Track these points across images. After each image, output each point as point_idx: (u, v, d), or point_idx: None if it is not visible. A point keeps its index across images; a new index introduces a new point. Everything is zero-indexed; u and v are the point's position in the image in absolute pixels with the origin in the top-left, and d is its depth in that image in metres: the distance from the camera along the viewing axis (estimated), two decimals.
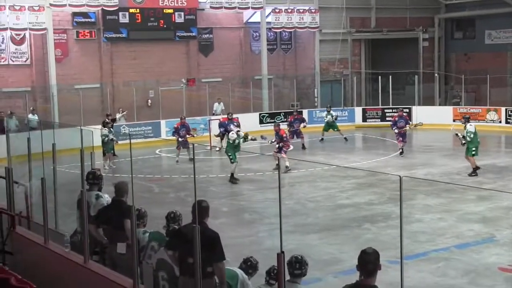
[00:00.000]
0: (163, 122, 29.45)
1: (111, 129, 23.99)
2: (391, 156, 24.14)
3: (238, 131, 20.66)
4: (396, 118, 24.50)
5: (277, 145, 21.82)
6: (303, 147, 26.65)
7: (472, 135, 20.11)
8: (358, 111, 34.07)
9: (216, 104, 31.21)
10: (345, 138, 27.90)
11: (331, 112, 29.14)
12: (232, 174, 20.08)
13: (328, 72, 36.45)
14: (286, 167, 21.08)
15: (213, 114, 30.44)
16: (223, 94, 32.06)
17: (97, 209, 8.84)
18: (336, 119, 28.93)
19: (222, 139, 25.20)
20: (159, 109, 30.15)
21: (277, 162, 21.59)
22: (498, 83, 32.92)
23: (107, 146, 23.35)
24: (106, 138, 23.33)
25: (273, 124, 26.03)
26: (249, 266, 7.72)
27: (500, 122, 30.22)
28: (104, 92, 30.44)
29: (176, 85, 31.65)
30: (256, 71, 34.07)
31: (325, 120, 28.97)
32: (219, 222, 14.29)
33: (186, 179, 20.56)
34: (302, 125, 26.75)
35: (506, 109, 30.93)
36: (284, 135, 22.11)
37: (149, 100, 31.60)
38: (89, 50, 30.36)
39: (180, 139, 23.74)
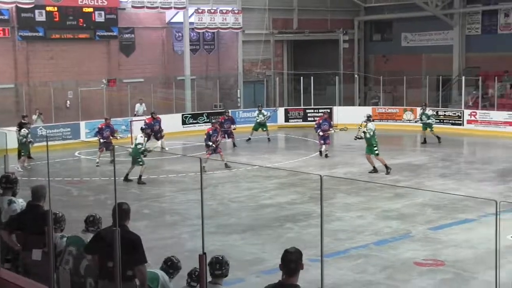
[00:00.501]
0: (82, 124, 28.88)
1: (29, 130, 23.45)
2: (313, 156, 24.46)
3: (140, 143, 20.29)
4: (321, 121, 24.77)
5: (213, 144, 21.91)
6: (234, 145, 27.06)
7: (372, 132, 20.63)
8: (281, 111, 34.34)
9: (138, 105, 30.87)
10: (268, 139, 28.22)
11: (263, 111, 29.42)
12: (140, 177, 19.91)
13: (251, 73, 36.61)
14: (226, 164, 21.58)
15: (135, 115, 30.10)
16: (145, 95, 31.73)
17: (8, 215, 8.54)
18: (268, 118, 29.31)
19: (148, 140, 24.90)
20: (78, 110, 29.57)
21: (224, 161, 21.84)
22: (414, 84, 33.87)
23: (25, 148, 22.78)
24: (24, 139, 22.77)
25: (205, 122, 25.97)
26: (169, 266, 7.66)
27: (416, 122, 31.03)
28: (20, 93, 29.59)
29: (96, 85, 31.14)
30: (179, 72, 33.89)
31: (257, 120, 29.20)
32: (140, 224, 14.13)
33: (106, 181, 20.22)
34: (232, 126, 27.00)
35: (421, 109, 31.78)
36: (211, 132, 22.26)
37: (68, 101, 30.94)
38: (2, 49, 29.49)
39: (102, 140, 23.37)
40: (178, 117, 31.85)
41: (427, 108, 27.75)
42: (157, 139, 26.07)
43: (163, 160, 24.57)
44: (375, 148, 20.68)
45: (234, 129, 27.20)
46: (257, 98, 36.02)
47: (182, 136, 30.12)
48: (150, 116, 26.74)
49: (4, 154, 9.23)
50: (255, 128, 28.99)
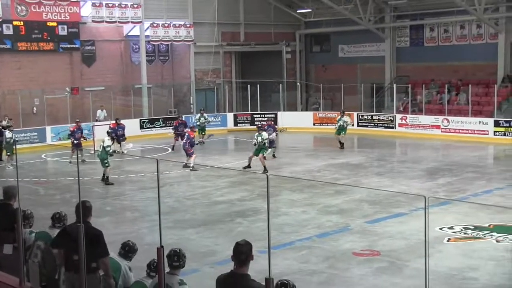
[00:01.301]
0: (48, 128, 28.39)
1: (12, 132, 23.61)
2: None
3: (109, 145, 20.07)
4: (266, 127, 24.80)
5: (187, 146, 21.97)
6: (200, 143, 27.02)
7: (266, 141, 21.54)
8: (230, 116, 34.36)
9: (99, 111, 30.47)
10: (202, 142, 27.78)
11: (204, 115, 29.38)
12: (107, 177, 19.69)
13: (203, 81, 36.49)
14: (192, 167, 21.41)
15: (97, 120, 29.73)
16: (106, 102, 31.34)
17: None
18: (208, 122, 29.26)
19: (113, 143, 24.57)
20: (45, 116, 29.03)
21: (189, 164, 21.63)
22: (350, 91, 34.26)
23: (11, 148, 22.71)
24: (12, 140, 22.85)
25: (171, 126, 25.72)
26: (127, 250, 7.60)
27: (353, 125, 31.44)
28: None
29: (61, 93, 30.63)
30: (136, 80, 33.58)
31: (197, 124, 28.99)
32: (103, 220, 13.97)
33: (71, 181, 19.91)
34: (186, 130, 26.82)
35: (357, 114, 32.32)
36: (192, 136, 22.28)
37: (35, 108, 30.33)
38: None
39: (75, 141, 23.21)
40: (136, 122, 31.55)
41: (345, 116, 27.16)
42: (119, 143, 25.77)
43: (124, 161, 24.32)
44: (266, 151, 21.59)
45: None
46: (208, 104, 35.93)
47: (140, 139, 29.86)
48: (114, 122, 26.42)
49: None
50: (199, 133, 28.48)
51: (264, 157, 21.30)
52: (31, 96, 30.29)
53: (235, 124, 34.13)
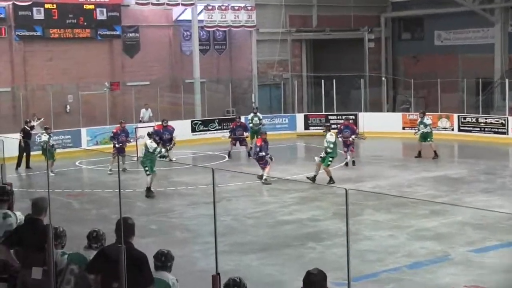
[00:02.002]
0: (83, 131, 29.03)
1: (50, 134, 24.29)
2: (337, 167, 24.30)
3: (155, 148, 20.32)
4: (342, 127, 24.67)
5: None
6: (249, 155, 26.74)
7: (332, 145, 21.31)
8: (300, 118, 34.32)
9: (143, 110, 30.93)
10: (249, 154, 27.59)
11: (258, 114, 29.16)
12: (148, 188, 19.95)
13: (267, 75, 36.62)
14: (265, 179, 21.42)
15: (140, 121, 30.16)
16: (151, 99, 31.81)
17: (3, 229, 8.55)
18: (262, 125, 28.90)
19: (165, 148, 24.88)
20: (79, 116, 29.71)
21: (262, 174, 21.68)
22: (449, 87, 33.61)
23: (49, 154, 23.28)
24: (46, 145, 23.46)
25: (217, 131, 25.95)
26: (164, 261, 7.49)
27: (453, 129, 30.82)
28: (16, 97, 29.81)
29: (99, 89, 31.28)
30: (187, 74, 33.96)
31: (249, 125, 28.70)
32: (147, 241, 14.09)
33: (110, 193, 20.24)
34: (245, 134, 26.98)
35: (458, 116, 31.52)
36: (263, 144, 22.10)
37: (68, 106, 31.12)
38: None
39: (117, 145, 23.65)
40: (187, 123, 31.89)
41: (426, 117, 26.28)
42: (166, 149, 25.92)
43: (171, 170, 24.58)
44: (330, 159, 21.46)
45: (246, 137, 27.19)
46: (273, 102, 36.03)
47: (191, 145, 30.15)
48: (160, 123, 26.47)
49: (1, 164, 9.24)
50: (252, 137, 27.87)
51: (319, 161, 21.17)
52: (63, 92, 31.07)
53: (306, 127, 34.07)
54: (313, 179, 21.21)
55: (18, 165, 24.74)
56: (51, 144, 23.67)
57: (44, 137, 24.07)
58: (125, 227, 6.74)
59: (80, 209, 18.69)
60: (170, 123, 27.11)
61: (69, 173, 24.31)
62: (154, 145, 20.29)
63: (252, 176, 21.80)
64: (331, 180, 21.04)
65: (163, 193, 20.54)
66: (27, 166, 24.98)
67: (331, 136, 21.57)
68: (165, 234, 15.98)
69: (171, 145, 25.30)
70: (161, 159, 20.52)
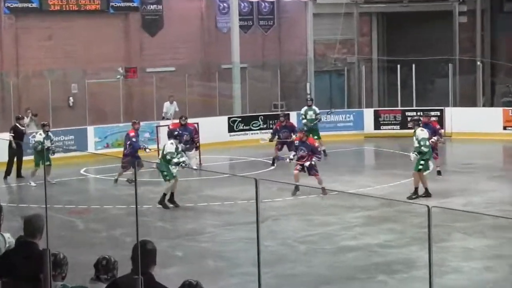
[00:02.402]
0: (90, 129, 29.24)
1: (49, 133, 24.47)
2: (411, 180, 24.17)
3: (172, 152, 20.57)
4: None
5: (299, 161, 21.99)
6: (273, 163, 26.95)
7: (427, 143, 21.23)
8: (369, 114, 34.17)
9: (167, 104, 31.08)
10: (324, 151, 27.63)
11: (313, 107, 28.94)
12: (164, 195, 20.24)
13: (326, 59, 36.60)
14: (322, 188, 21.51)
15: (163, 118, 30.31)
16: (177, 90, 31.97)
17: None
18: (319, 120, 28.73)
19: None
20: (85, 110, 29.95)
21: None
22: None
23: (40, 156, 23.55)
24: (40, 146, 23.70)
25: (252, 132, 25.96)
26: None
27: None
28: (6, 86, 30.18)
29: (110, 76, 31.55)
30: (224, 58, 34.07)
31: (302, 121, 28.80)
32: (170, 272, 14.18)
33: (123, 210, 20.41)
34: (293, 136, 26.82)
35: None
36: (317, 145, 22.14)
37: (71, 98, 31.39)
38: None
39: (128, 152, 23.81)
40: (222, 121, 31.97)
41: None
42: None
43: (202, 181, 24.66)
44: (421, 161, 21.24)
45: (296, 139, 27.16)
46: (334, 94, 35.99)
47: (228, 148, 30.21)
48: (178, 121, 26.44)
49: None
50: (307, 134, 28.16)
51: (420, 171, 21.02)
52: (66, 80, 31.38)
53: (377, 126, 33.93)
54: (425, 194, 21.04)
55: (8, 173, 25.01)
56: (47, 146, 23.76)
57: (40, 137, 24.18)
58: (143, 254, 6.79)
59: (85, 230, 18.85)
60: (201, 120, 27.23)
61: (72, 184, 24.56)
62: (171, 148, 20.48)
63: (306, 189, 21.78)
64: (427, 193, 20.83)
65: (192, 210, 20.64)
66: (18, 175, 25.21)
67: (422, 132, 21.29)
68: (193, 262, 16.04)
69: (193, 148, 25.72)
70: (178, 166, 20.56)
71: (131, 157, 23.50)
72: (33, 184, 23.21)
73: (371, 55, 37.68)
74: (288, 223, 19.18)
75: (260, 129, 32.03)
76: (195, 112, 29.15)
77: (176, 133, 23.24)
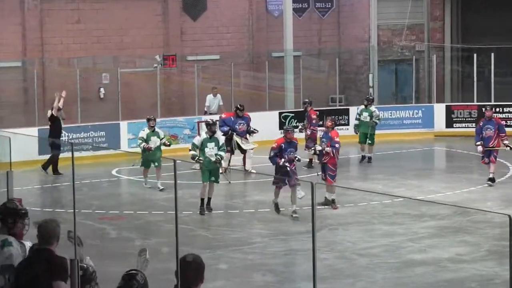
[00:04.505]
0: (123, 125, 29.37)
1: (155, 128, 24.19)
2: (494, 184, 24.01)
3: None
4: (481, 123, 24.01)
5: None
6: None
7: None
8: (440, 110, 33.93)
9: (210, 97, 31.11)
10: (369, 158, 27.59)
11: (371, 108, 28.44)
12: (202, 200, 20.53)
13: (391, 47, 36.44)
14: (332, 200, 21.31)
15: (206, 113, 30.36)
16: (222, 81, 32.04)
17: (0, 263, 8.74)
18: (374, 124, 28.27)
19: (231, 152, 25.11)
20: (118, 103, 30.09)
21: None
22: None
23: (152, 156, 23.57)
24: (143, 144, 23.67)
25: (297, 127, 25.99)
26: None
27: None
28: (29, 75, 30.31)
29: (146, 65, 31.67)
30: (275, 45, 34.11)
31: (357, 123, 28.31)
32: (214, 286, 14.23)
33: (159, 216, 20.54)
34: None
35: None
36: (337, 139, 21.69)
37: (102, 89, 31.55)
38: (4, 9, 30.34)
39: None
40: (273, 117, 31.94)
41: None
42: (240, 149, 25.91)
43: (249, 185, 24.70)
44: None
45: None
46: (401, 87, 35.79)
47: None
48: (233, 111, 26.54)
49: (7, 170, 9.38)
50: (362, 140, 27.84)
51: None
52: (96, 69, 31.56)
53: (449, 124, 33.70)
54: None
55: (49, 166, 25.32)
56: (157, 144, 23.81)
57: (143, 132, 23.96)
58: (185, 268, 6.82)
59: (118, 239, 19.00)
60: (249, 115, 27.09)
61: (102, 186, 24.73)
62: (197, 140, 20.86)
63: (367, 196, 21.72)
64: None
65: (237, 216, 20.69)
66: (55, 171, 25.39)
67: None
68: (239, 277, 16.10)
69: (251, 132, 26.00)
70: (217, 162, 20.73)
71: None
72: (159, 186, 23.34)
73: (443, 42, 37.42)
74: (347, 233, 19.17)
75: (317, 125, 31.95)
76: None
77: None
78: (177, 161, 8.30)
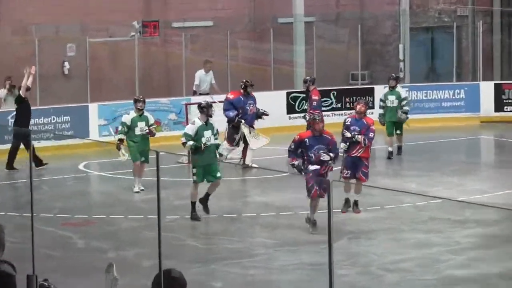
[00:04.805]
0: (93, 107, 29.45)
1: (144, 112, 23.89)
2: None
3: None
4: None
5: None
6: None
7: None
8: (487, 89, 34.00)
9: (201, 74, 31.13)
10: (399, 149, 27.71)
11: (398, 90, 28.28)
12: (193, 204, 20.49)
13: (427, 12, 36.48)
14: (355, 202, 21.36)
15: (195, 93, 30.40)
16: (216, 54, 32.09)
17: None
18: (407, 108, 27.95)
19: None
20: (86, 81, 30.09)
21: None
22: None
23: (142, 146, 23.46)
24: (124, 130, 23.41)
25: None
26: None
27: None
28: None
29: (122, 34, 31.71)
30: (282, 9, 34.14)
31: (381, 112, 28.15)
32: None
33: (138, 222, 20.55)
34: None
35: None
36: (372, 127, 21.65)
37: (67, 64, 31.55)
38: None
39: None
40: (280, 98, 32.07)
41: None
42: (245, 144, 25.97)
43: (248, 182, 24.72)
44: None
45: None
46: (437, 61, 35.86)
47: (288, 134, 30.11)
48: (241, 89, 26.40)
49: None
50: (389, 131, 27.76)
51: None
52: (60, 38, 31.53)
53: (498, 107, 33.75)
54: None
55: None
56: (144, 130, 23.55)
57: (128, 117, 23.54)
58: (169, 284, 6.80)
59: (86, 249, 18.94)
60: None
61: (67, 184, 24.74)
62: (191, 129, 20.60)
63: (397, 197, 21.71)
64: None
65: (235, 222, 20.66)
66: (9, 165, 25.34)
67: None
68: None
69: (261, 116, 26.26)
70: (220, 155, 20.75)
71: None
72: (141, 187, 23.20)
73: (491, 6, 37.45)
74: (372, 243, 19.16)
75: (332, 109, 31.97)
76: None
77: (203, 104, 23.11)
78: (161, 153, 8.30)
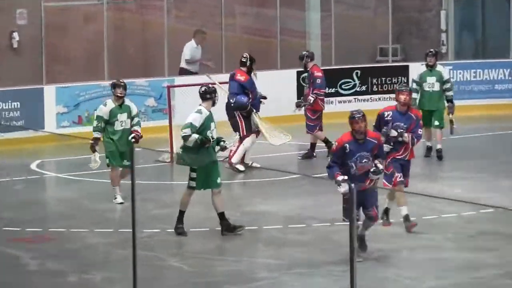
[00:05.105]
0: (49, 90, 29.44)
1: (125, 101, 23.74)
2: None
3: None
4: None
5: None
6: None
7: None
8: None
9: (191, 45, 31.23)
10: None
11: (438, 69, 28.23)
12: (181, 213, 20.40)
13: None
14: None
15: (183, 72, 30.40)
16: (207, 22, 32.14)
17: None
18: (450, 93, 27.92)
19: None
20: (42, 57, 30.14)
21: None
22: None
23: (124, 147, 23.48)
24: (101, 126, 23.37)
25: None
26: None
27: None
28: None
29: None
30: None
31: (415, 96, 27.74)
32: None
33: (108, 237, 20.56)
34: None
35: None
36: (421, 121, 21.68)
37: (16, 34, 31.61)
38: None
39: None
40: (288, 78, 32.12)
41: None
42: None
43: (249, 187, 24.79)
44: None
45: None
46: (488, 34, 35.94)
47: (297, 126, 30.17)
48: (243, 69, 26.67)
49: None
50: (425, 122, 26.65)
51: None
52: (6, 3, 31.56)
53: None
54: None
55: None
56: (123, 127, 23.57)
57: (105, 108, 23.45)
58: None
59: (39, 272, 18.95)
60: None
61: (16, 189, 24.76)
62: (197, 119, 20.53)
63: (441, 205, 21.73)
64: None
65: (232, 237, 20.69)
66: None
67: None
68: None
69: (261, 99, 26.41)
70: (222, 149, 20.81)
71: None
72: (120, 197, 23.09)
73: None
74: (405, 264, 19.19)
75: (356, 93, 32.03)
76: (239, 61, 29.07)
77: (211, 88, 23.04)
78: (136, 150, 8.28)
